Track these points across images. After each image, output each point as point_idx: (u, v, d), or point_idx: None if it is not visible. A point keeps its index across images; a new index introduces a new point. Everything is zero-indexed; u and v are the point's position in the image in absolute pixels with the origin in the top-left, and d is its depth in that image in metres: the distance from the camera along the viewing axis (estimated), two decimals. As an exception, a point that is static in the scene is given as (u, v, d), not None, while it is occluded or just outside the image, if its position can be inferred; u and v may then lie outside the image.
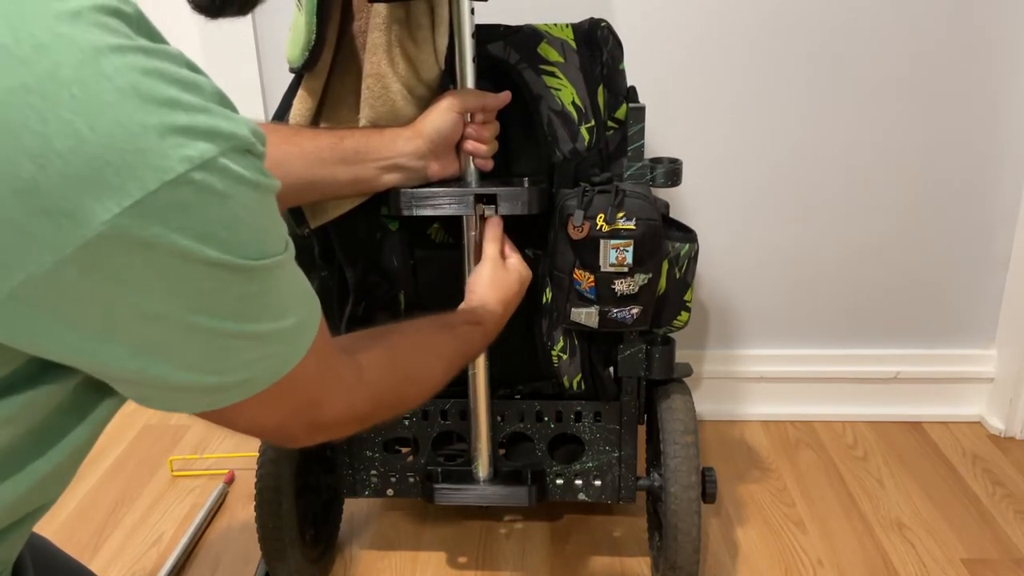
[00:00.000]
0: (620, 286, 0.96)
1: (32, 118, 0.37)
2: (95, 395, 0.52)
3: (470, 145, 0.95)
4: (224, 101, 0.43)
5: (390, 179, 0.94)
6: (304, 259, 1.00)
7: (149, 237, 0.40)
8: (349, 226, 1.03)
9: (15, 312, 0.41)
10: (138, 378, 0.46)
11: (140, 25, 0.42)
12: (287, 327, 0.50)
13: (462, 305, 0.91)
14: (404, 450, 1.18)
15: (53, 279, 0.39)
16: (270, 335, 0.49)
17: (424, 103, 0.96)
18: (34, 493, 0.53)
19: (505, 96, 0.96)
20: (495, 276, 0.94)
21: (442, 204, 0.96)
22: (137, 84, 0.39)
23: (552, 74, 0.99)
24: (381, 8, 0.93)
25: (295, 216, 1.02)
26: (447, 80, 0.98)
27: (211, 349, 0.47)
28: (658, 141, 1.40)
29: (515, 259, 0.97)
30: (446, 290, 1.06)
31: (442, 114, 0.93)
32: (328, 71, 0.98)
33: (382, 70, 0.94)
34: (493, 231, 0.97)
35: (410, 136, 0.93)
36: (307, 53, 0.94)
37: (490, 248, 0.96)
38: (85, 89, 0.38)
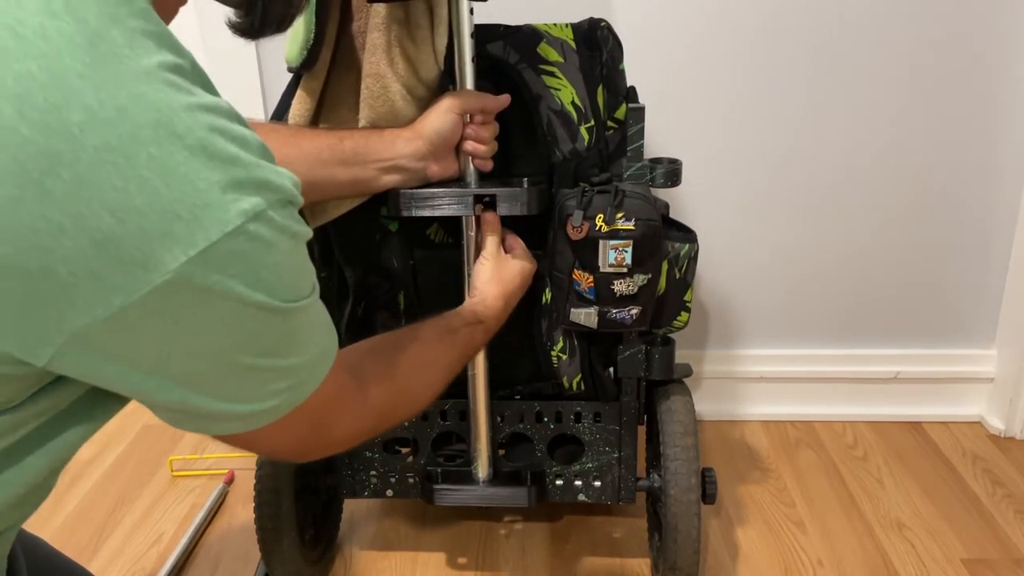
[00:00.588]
0: (619, 286, 0.96)
1: (115, 176, 0.40)
2: (106, 402, 0.55)
3: (469, 146, 0.95)
4: (267, 154, 0.47)
5: (390, 180, 0.94)
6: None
7: (209, 283, 0.44)
8: (348, 227, 1.03)
9: (76, 348, 0.44)
10: (178, 406, 0.50)
11: (195, 76, 0.45)
12: (310, 359, 0.55)
13: (465, 303, 0.92)
14: (404, 450, 1.18)
15: (117, 320, 0.43)
16: (297, 367, 0.53)
17: (424, 103, 0.96)
18: (28, 495, 0.54)
19: (505, 99, 0.96)
20: (496, 271, 0.95)
21: (442, 205, 0.96)
22: (204, 142, 0.43)
23: (552, 74, 0.99)
24: (380, 8, 0.93)
25: None
26: (446, 80, 0.98)
27: (247, 382, 0.51)
28: (658, 141, 1.40)
29: (518, 250, 0.98)
30: (446, 290, 1.06)
31: (442, 115, 0.92)
32: (327, 71, 0.98)
33: (381, 70, 0.94)
34: (491, 225, 0.97)
35: (410, 137, 0.93)
36: (306, 52, 0.93)
37: (489, 243, 0.96)
38: (161, 149, 0.41)
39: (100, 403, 0.55)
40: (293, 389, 0.54)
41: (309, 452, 0.64)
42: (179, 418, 0.52)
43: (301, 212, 1.07)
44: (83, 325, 0.42)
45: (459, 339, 0.84)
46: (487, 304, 0.91)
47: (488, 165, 0.97)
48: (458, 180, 0.97)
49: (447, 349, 0.82)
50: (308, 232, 0.51)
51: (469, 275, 1.00)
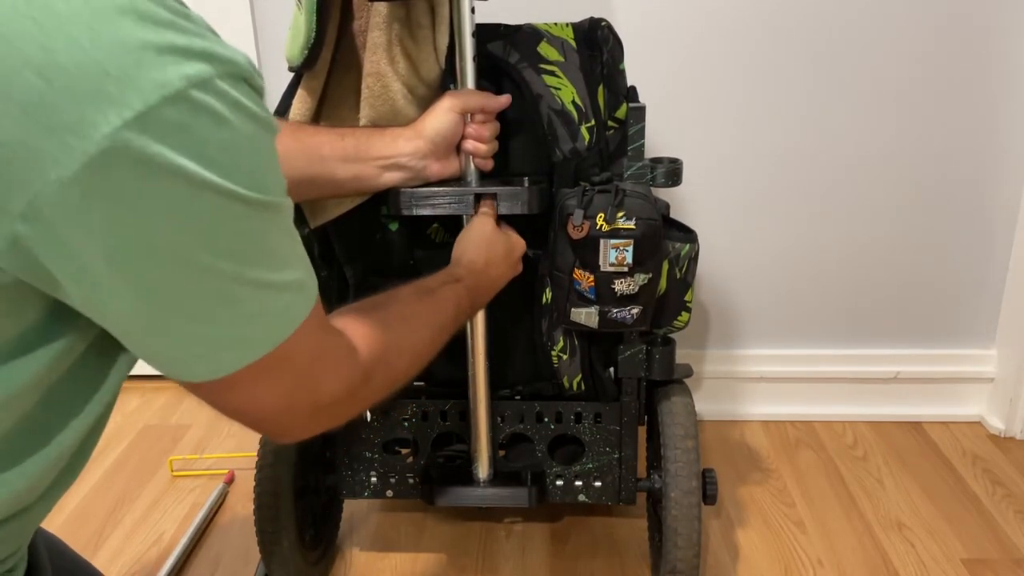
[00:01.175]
0: (620, 286, 0.96)
1: (35, 32, 0.38)
2: (107, 360, 0.53)
3: (470, 145, 0.95)
4: (216, 35, 0.44)
5: (390, 178, 0.94)
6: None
7: (151, 155, 0.40)
8: (349, 226, 1.03)
9: (28, 238, 0.42)
10: (138, 324, 0.47)
11: None
12: (286, 282, 0.50)
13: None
14: (404, 451, 1.18)
15: (59, 201, 0.40)
16: (269, 287, 0.49)
17: (424, 102, 0.96)
18: (57, 466, 0.54)
19: (506, 99, 0.96)
20: (481, 233, 0.92)
21: (442, 204, 0.96)
22: (136, 4, 0.40)
23: (552, 73, 0.99)
24: (381, 7, 0.93)
25: (295, 215, 1.01)
26: (447, 79, 0.97)
27: (210, 293, 0.46)
28: (658, 141, 1.40)
29: (510, 231, 0.96)
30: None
31: (443, 115, 0.93)
32: (327, 70, 0.98)
33: (382, 69, 0.94)
34: (487, 205, 0.96)
35: (410, 136, 0.93)
36: (307, 51, 0.93)
37: (483, 208, 0.95)
38: (87, 5, 0.39)
39: (106, 365, 0.53)
40: (268, 317, 0.50)
41: (297, 420, 0.58)
42: (148, 349, 0.49)
43: (300, 210, 1.07)
44: (27, 205, 0.40)
45: (440, 297, 0.80)
46: (463, 263, 0.88)
47: (488, 164, 0.97)
48: (458, 179, 0.97)
49: (429, 307, 0.78)
50: (274, 123, 0.47)
51: None
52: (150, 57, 0.40)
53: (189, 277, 0.45)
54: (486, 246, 0.91)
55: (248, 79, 0.45)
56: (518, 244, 0.96)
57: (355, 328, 0.64)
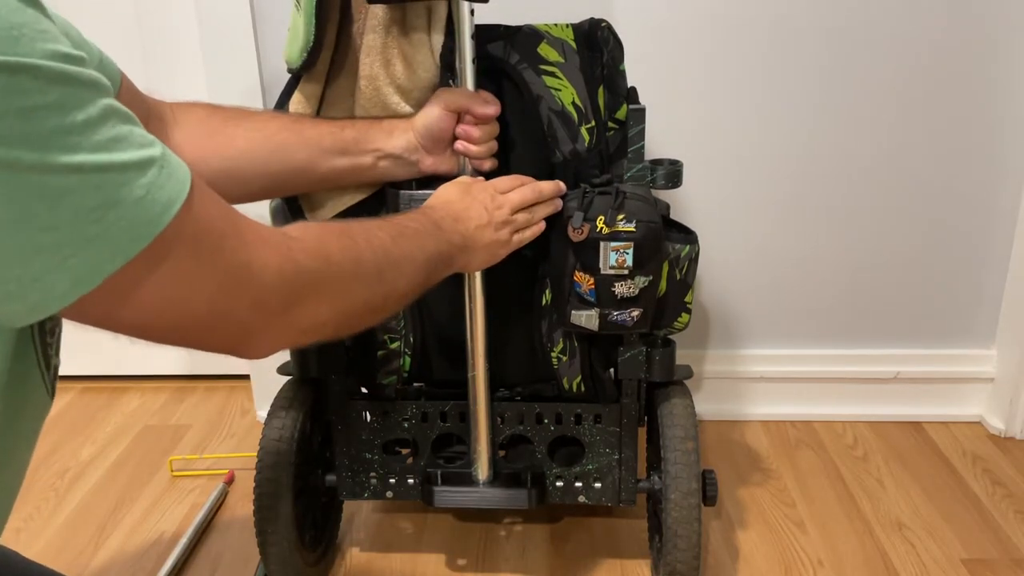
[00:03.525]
0: (620, 288, 0.96)
1: None
2: None
3: (460, 146, 0.95)
4: None
5: (385, 168, 0.96)
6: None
7: None
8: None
9: None
10: None
11: None
12: (130, 160, 0.44)
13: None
14: (403, 452, 1.18)
15: None
16: (106, 169, 0.43)
17: (419, 105, 0.96)
18: None
19: (493, 110, 0.94)
20: (458, 181, 0.92)
21: None
22: None
23: (552, 74, 0.99)
24: (378, 10, 0.93)
25: (294, 215, 1.02)
26: (446, 79, 0.97)
27: (21, 192, 0.40)
28: (658, 142, 1.40)
29: (493, 186, 0.94)
30: (445, 291, 1.05)
31: (431, 110, 0.94)
32: (326, 74, 0.98)
33: (375, 72, 0.94)
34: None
35: (404, 128, 0.95)
36: (306, 54, 0.94)
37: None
38: None
39: None
40: (119, 207, 0.43)
41: (245, 320, 0.52)
42: None
43: (299, 205, 1.08)
44: None
45: (395, 220, 0.78)
46: (432, 199, 0.89)
47: (485, 165, 0.97)
48: (455, 177, 0.97)
49: (379, 224, 0.74)
50: None
51: (468, 275, 1.00)
52: None
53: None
54: (457, 187, 0.91)
55: None
56: (502, 201, 0.91)
57: (293, 225, 0.61)
